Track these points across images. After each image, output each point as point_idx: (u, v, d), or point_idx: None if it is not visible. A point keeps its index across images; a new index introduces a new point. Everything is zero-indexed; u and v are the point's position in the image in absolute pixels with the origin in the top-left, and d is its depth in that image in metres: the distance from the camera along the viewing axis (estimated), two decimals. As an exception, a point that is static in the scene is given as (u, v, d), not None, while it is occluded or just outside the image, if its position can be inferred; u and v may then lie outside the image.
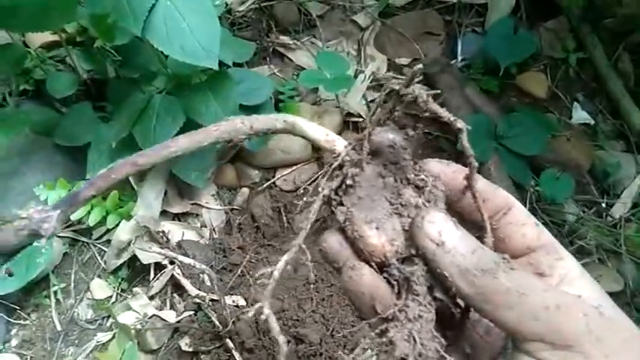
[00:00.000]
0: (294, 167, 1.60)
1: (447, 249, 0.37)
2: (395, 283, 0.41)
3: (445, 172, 0.44)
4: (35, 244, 1.19)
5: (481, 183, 0.43)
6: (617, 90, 1.82)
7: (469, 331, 0.45)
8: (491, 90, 1.76)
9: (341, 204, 0.44)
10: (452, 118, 0.40)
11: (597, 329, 0.34)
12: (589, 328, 0.34)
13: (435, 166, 0.44)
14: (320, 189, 0.45)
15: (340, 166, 0.45)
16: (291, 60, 1.83)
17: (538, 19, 1.88)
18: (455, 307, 0.42)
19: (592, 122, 1.77)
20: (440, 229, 0.38)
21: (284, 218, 1.51)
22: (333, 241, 0.44)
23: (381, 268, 0.42)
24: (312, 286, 1.36)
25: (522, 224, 0.43)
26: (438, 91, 0.45)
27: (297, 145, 1.57)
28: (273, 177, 1.58)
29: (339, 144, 0.47)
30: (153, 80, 1.33)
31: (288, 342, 1.23)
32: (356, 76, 1.78)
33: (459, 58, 1.84)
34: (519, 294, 0.35)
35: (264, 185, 1.56)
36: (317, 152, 1.63)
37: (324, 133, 0.47)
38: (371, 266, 0.42)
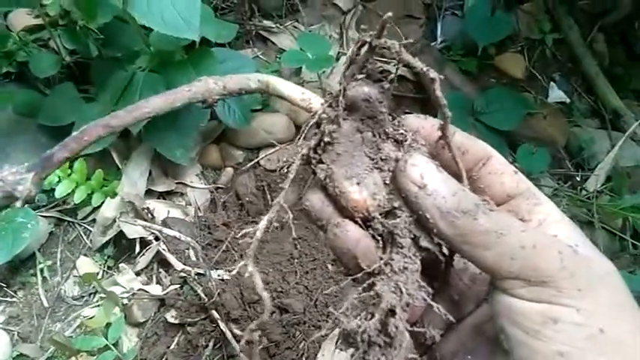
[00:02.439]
0: (278, 147, 1.62)
1: (429, 191, 0.38)
2: (379, 237, 0.42)
3: (424, 126, 0.44)
4: (20, 220, 1.20)
5: (459, 135, 0.43)
6: (592, 70, 1.87)
7: (455, 280, 0.47)
8: (470, 71, 1.80)
9: (321, 162, 0.44)
10: (425, 68, 0.40)
11: (571, 266, 0.35)
12: (563, 265, 0.35)
13: (414, 120, 0.44)
14: (299, 148, 0.45)
15: (318, 124, 0.44)
16: (274, 43, 1.85)
17: (515, 1, 1.93)
18: (440, 255, 0.42)
19: (568, 101, 1.82)
20: (422, 172, 0.39)
21: (268, 196, 1.53)
22: (315, 199, 0.44)
23: (365, 223, 0.43)
24: (295, 260, 1.39)
25: (501, 173, 0.43)
26: (411, 41, 0.46)
27: (281, 125, 1.60)
28: (257, 157, 1.61)
29: (315, 102, 0.46)
30: (136, 59, 1.34)
31: (273, 312, 1.26)
32: (338, 59, 1.80)
33: (439, 40, 1.88)
34: (497, 234, 0.36)
35: (249, 165, 1.58)
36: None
37: (299, 92, 0.47)
38: (355, 222, 0.42)
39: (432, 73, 0.40)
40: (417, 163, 0.39)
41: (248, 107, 1.51)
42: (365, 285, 0.41)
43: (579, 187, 1.59)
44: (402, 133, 0.43)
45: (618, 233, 1.48)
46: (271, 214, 0.44)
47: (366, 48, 0.42)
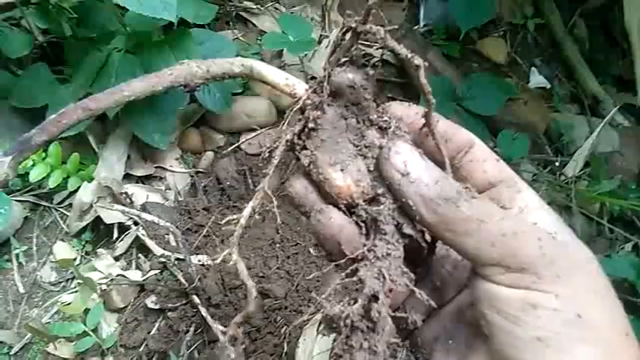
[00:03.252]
0: (259, 131, 1.60)
1: (412, 179, 0.38)
2: (363, 224, 0.42)
3: (407, 113, 0.44)
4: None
5: (442, 123, 0.43)
6: (572, 55, 1.88)
7: (437, 267, 0.47)
8: (453, 55, 1.80)
9: (304, 148, 0.44)
10: (409, 55, 0.40)
11: (550, 252, 0.35)
12: (542, 252, 0.35)
13: (397, 108, 0.45)
14: (282, 134, 0.45)
15: (302, 110, 0.44)
16: (254, 25, 1.82)
17: (498, -15, 1.92)
18: (422, 242, 0.43)
19: (548, 86, 1.83)
20: (405, 160, 0.39)
21: (249, 181, 1.52)
22: (299, 186, 0.44)
23: (349, 210, 0.43)
24: (277, 245, 1.38)
25: (483, 161, 0.43)
26: (395, 27, 0.45)
27: (262, 109, 1.58)
28: (238, 141, 1.59)
29: (300, 87, 0.46)
30: (111, 39, 1.30)
31: (254, 297, 1.25)
32: (320, 42, 1.78)
33: (422, 24, 1.87)
34: (478, 222, 0.36)
35: (229, 149, 1.56)
36: (282, 116, 1.63)
37: (283, 77, 0.47)
38: (338, 209, 0.43)
39: (417, 60, 0.40)
40: (400, 151, 0.40)
41: (229, 91, 1.49)
42: (348, 271, 0.41)
43: (558, 173, 1.61)
44: (385, 120, 0.43)
45: (595, 218, 1.51)
46: (255, 201, 0.45)
47: (350, 33, 0.41)
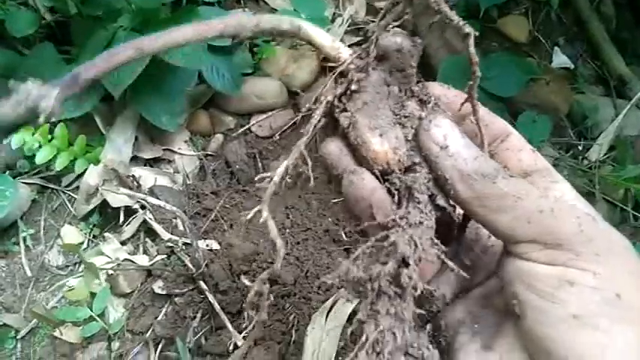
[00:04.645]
0: (270, 113, 1.56)
1: (450, 152, 0.38)
2: (396, 192, 0.42)
3: (447, 95, 0.44)
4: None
5: (481, 110, 0.43)
6: (598, 34, 1.79)
7: (466, 249, 0.46)
8: (472, 34, 1.72)
9: (345, 110, 0.43)
10: (461, 23, 0.39)
11: (590, 231, 0.35)
12: (581, 229, 0.35)
13: (437, 88, 0.44)
14: (322, 97, 0.44)
15: (344, 74, 0.44)
16: (266, 3, 1.76)
17: (520, -40, 1.83)
18: (455, 217, 0.43)
19: (572, 66, 1.75)
20: (445, 133, 0.39)
21: (259, 164, 1.48)
22: (333, 147, 0.44)
23: (383, 177, 0.42)
24: (287, 230, 1.35)
25: (519, 150, 0.43)
26: None
27: (273, 90, 1.53)
28: (248, 123, 1.55)
29: (345, 51, 0.45)
30: (117, 17, 1.26)
31: (263, 283, 1.22)
32: (333, 20, 1.72)
33: (440, 1, 1.79)
34: (515, 198, 0.36)
35: (239, 131, 1.53)
36: (293, 98, 1.59)
37: (330, 39, 0.46)
38: (372, 174, 0.42)
39: (468, 28, 0.39)
40: (440, 124, 0.40)
41: (238, 71, 1.44)
42: (379, 236, 0.40)
43: (581, 157, 1.54)
44: (426, 94, 0.43)
45: (620, 204, 1.44)
46: (290, 160, 0.43)
47: None
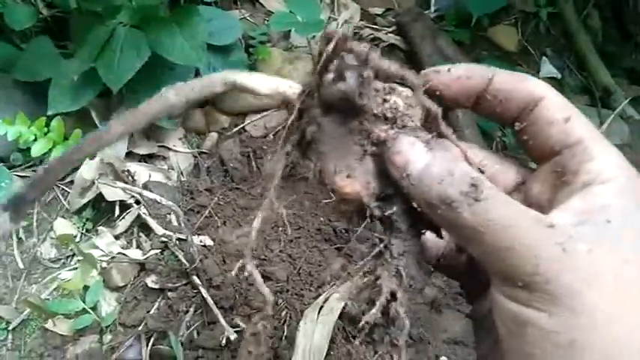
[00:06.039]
0: (264, 113, 1.58)
1: (413, 180, 0.35)
2: (379, 222, 0.41)
3: (442, 80, 0.39)
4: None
5: (501, 76, 0.37)
6: (585, 46, 1.85)
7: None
8: (463, 41, 1.77)
9: (307, 157, 0.42)
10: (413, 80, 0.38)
11: (547, 271, 0.31)
12: (537, 271, 0.31)
13: (432, 75, 0.39)
14: (281, 146, 0.42)
15: (300, 116, 0.40)
16: (262, 5, 1.79)
17: (511, -28, 1.88)
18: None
19: (559, 76, 1.80)
20: (406, 159, 0.36)
21: (253, 163, 1.50)
22: None
23: (363, 212, 0.42)
24: (280, 228, 1.37)
25: (548, 123, 0.36)
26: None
27: (268, 90, 1.55)
28: (243, 122, 1.57)
29: (291, 92, 0.41)
30: (117, 14, 1.27)
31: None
32: (328, 24, 1.75)
33: (433, 9, 1.83)
34: (478, 232, 0.32)
35: (234, 130, 1.54)
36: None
37: (273, 85, 0.42)
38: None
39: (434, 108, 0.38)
40: (400, 150, 0.36)
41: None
42: (367, 269, 0.41)
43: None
44: (391, 108, 0.39)
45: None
46: (263, 211, 0.42)
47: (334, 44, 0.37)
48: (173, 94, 0.42)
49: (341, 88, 0.36)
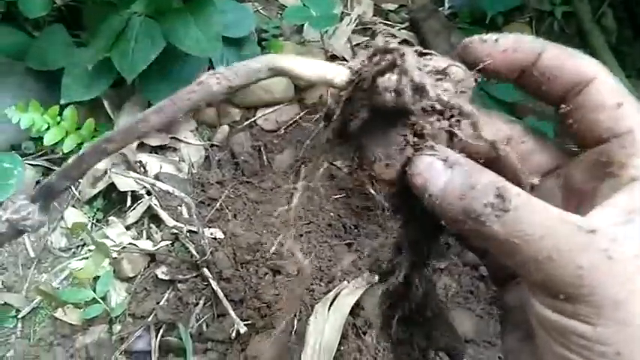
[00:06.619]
0: (276, 107, 1.57)
1: (436, 199, 0.33)
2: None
3: (491, 53, 0.36)
4: (6, 166, 1.15)
5: (551, 51, 0.34)
6: (599, 46, 1.83)
7: None
8: (477, 39, 1.75)
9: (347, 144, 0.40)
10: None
11: (592, 280, 0.29)
12: (581, 283, 0.29)
13: (477, 49, 0.36)
14: (318, 137, 0.43)
15: (348, 99, 0.38)
16: (275, -1, 1.78)
17: (527, -31, 1.87)
18: None
19: (573, 76, 1.78)
20: (425, 179, 0.34)
21: (264, 157, 1.49)
22: None
23: None
24: (291, 223, 1.36)
25: (596, 107, 0.33)
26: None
27: (280, 84, 1.55)
28: (254, 116, 1.56)
29: (339, 80, 0.39)
30: (131, 3, 1.27)
31: (265, 274, 1.24)
32: (341, 19, 1.74)
33: (447, 5, 1.82)
34: (511, 243, 0.30)
35: (245, 123, 1.54)
36: (299, 93, 1.60)
37: (320, 72, 0.39)
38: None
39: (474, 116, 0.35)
40: (420, 170, 0.35)
41: (247, 63, 1.45)
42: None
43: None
44: (421, 125, 0.37)
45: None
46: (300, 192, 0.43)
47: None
48: (215, 81, 0.38)
49: (396, 101, 0.35)
